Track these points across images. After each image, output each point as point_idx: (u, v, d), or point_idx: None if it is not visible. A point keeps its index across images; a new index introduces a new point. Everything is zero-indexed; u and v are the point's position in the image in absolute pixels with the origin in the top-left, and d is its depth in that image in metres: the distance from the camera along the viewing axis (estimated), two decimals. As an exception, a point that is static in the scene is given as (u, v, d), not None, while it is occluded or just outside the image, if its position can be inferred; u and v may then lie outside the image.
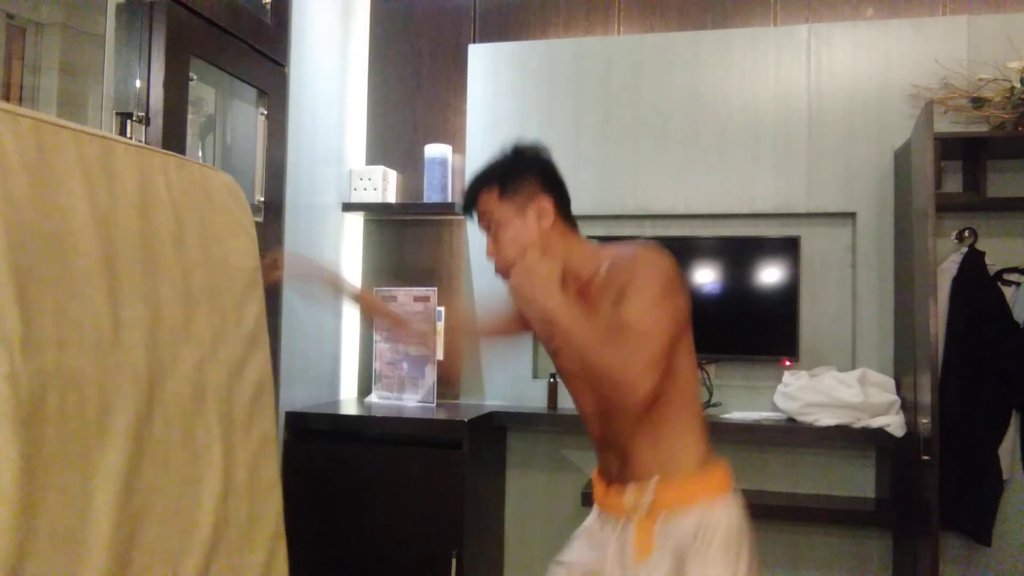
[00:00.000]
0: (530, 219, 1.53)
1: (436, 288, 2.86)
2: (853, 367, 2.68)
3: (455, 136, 3.10)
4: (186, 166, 1.51)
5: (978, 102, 2.55)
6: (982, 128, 2.56)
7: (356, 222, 3.16)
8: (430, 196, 3.00)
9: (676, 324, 1.40)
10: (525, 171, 1.56)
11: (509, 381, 2.94)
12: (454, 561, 2.40)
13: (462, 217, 3.00)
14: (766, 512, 2.63)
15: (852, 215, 2.73)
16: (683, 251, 2.81)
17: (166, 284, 1.40)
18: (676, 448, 1.47)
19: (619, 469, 1.52)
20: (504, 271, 1.53)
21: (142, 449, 1.29)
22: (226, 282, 1.57)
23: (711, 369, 2.81)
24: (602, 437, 1.56)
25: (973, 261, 2.56)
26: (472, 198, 1.59)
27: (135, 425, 1.28)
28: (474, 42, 3.11)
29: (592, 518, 1.63)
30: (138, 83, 1.85)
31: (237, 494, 1.51)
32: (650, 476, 1.45)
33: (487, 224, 1.57)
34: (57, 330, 1.15)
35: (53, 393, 1.13)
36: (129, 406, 1.27)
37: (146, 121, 1.84)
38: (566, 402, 2.86)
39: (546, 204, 1.53)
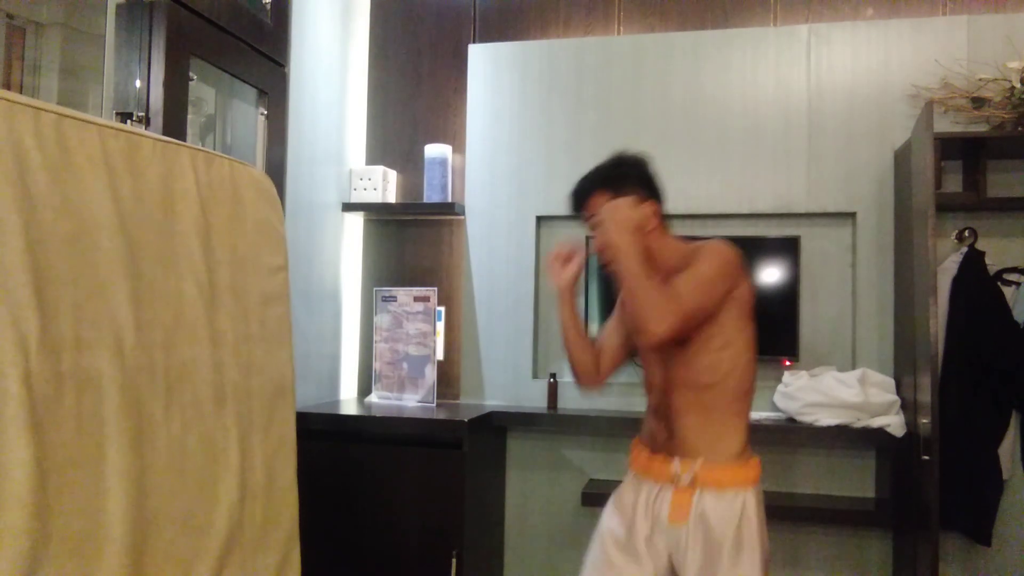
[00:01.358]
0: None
1: (436, 288, 2.87)
2: (853, 367, 2.68)
3: (455, 136, 3.10)
4: (215, 161, 1.47)
5: (978, 102, 2.55)
6: (982, 128, 2.56)
7: (356, 222, 3.16)
8: (430, 196, 3.00)
9: (713, 301, 1.59)
10: (633, 178, 1.71)
11: (509, 381, 2.94)
12: (454, 561, 2.40)
13: (462, 217, 3.01)
14: (766, 512, 2.63)
15: (852, 215, 2.73)
16: (683, 251, 2.81)
17: (189, 283, 1.37)
18: (721, 434, 1.65)
19: (665, 440, 1.69)
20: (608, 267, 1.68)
21: (158, 451, 1.27)
22: (252, 281, 1.53)
23: (711, 369, 2.81)
24: (658, 407, 1.73)
25: (973, 261, 2.56)
26: (583, 199, 1.73)
27: (152, 427, 1.26)
28: (474, 42, 3.11)
29: (626, 484, 1.78)
30: (138, 83, 1.85)
31: (253, 497, 1.48)
32: (694, 454, 1.63)
33: (595, 224, 1.69)
34: (75, 331, 1.12)
35: (69, 395, 1.10)
36: (146, 408, 1.25)
37: (146, 121, 1.84)
38: (566, 402, 2.86)
39: (649, 211, 1.69)
